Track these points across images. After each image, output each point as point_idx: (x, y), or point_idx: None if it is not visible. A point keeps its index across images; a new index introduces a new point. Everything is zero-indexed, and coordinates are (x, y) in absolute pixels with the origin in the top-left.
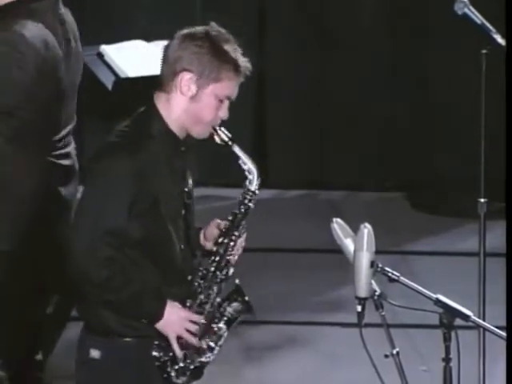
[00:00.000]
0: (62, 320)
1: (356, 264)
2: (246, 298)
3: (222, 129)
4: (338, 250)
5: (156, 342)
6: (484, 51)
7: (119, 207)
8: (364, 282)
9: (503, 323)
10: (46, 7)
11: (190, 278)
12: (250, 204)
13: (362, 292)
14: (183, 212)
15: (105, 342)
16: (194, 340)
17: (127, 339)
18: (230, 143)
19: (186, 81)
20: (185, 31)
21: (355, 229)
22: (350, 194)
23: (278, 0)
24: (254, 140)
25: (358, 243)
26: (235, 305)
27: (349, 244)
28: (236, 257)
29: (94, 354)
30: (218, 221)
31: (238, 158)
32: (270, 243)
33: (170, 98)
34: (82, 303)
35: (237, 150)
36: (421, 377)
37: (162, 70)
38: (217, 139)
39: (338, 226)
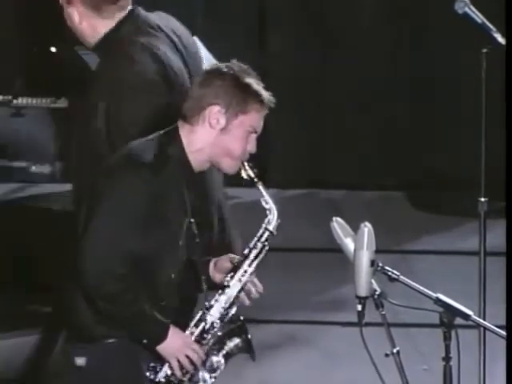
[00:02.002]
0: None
1: (356, 263)
2: (249, 337)
3: (250, 164)
4: (339, 249)
5: (152, 364)
6: (484, 50)
7: (132, 226)
8: (364, 281)
9: (503, 322)
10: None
11: (163, 303)
12: (266, 243)
13: (363, 291)
14: (181, 243)
15: (89, 347)
16: (190, 368)
17: (110, 340)
18: (255, 180)
19: (215, 114)
20: (207, 68)
21: (355, 228)
22: (351, 194)
23: (279, 0)
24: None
25: (358, 242)
26: (236, 340)
27: (349, 243)
28: (250, 294)
29: (80, 361)
30: (232, 255)
31: (261, 195)
32: (270, 242)
33: (194, 130)
34: (67, 309)
35: (261, 188)
36: (421, 376)
37: (188, 105)
38: (243, 174)
39: (338, 225)
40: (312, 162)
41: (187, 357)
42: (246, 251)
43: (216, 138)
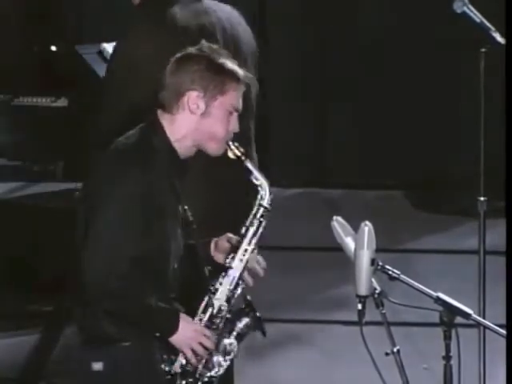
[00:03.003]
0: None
1: (356, 262)
2: (257, 314)
3: (236, 144)
4: (339, 248)
5: (164, 356)
6: (483, 50)
7: (134, 225)
8: (364, 280)
9: (503, 321)
10: None
11: (173, 296)
12: (262, 219)
13: (363, 290)
14: (179, 231)
15: (105, 351)
16: (205, 354)
17: (127, 344)
18: (242, 158)
19: (194, 99)
20: (178, 55)
21: (356, 227)
22: (351, 193)
23: (279, 0)
24: (255, 138)
25: (358, 241)
26: (246, 320)
27: (349, 242)
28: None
29: (97, 366)
30: (230, 235)
31: (250, 173)
32: (271, 241)
33: (175, 119)
34: (82, 313)
35: (249, 165)
36: (421, 375)
37: (165, 94)
38: (230, 154)
39: (338, 224)
40: (312, 162)
41: (200, 344)
42: (243, 230)
43: (198, 122)
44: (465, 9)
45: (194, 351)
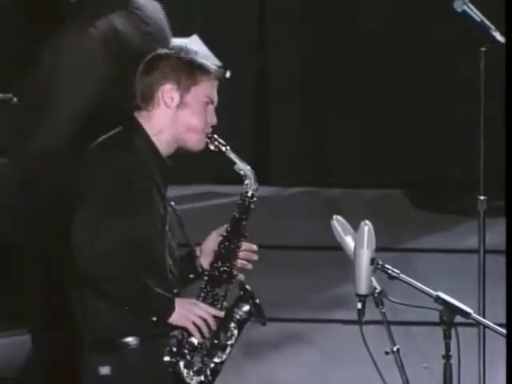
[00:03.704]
0: None
1: (356, 261)
2: (257, 301)
3: (215, 136)
4: (339, 248)
5: (167, 348)
6: (483, 49)
7: (122, 211)
8: (364, 279)
9: (503, 320)
10: None
11: (176, 291)
12: (250, 207)
13: (363, 289)
14: (167, 227)
15: (112, 354)
16: (206, 328)
17: (133, 346)
18: (224, 149)
19: (167, 92)
20: (147, 57)
21: (355, 226)
22: (351, 192)
23: (279, 0)
24: (255, 138)
25: (358, 240)
26: (246, 307)
27: (349, 241)
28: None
29: (104, 370)
30: (214, 232)
31: (233, 163)
32: (270, 240)
33: (152, 115)
34: (82, 312)
35: (232, 155)
36: (421, 374)
37: (138, 94)
38: (211, 147)
39: (338, 223)
40: (312, 161)
41: (201, 318)
42: (231, 221)
43: (174, 115)
44: (465, 8)
45: (195, 325)
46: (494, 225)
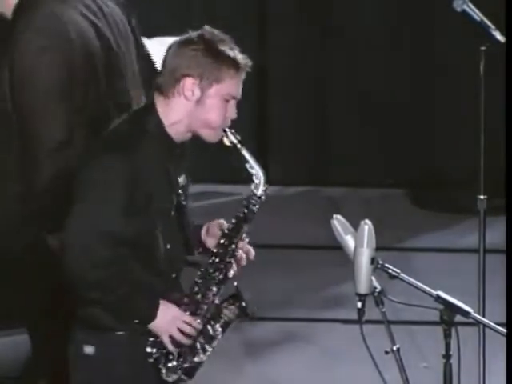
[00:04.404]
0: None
1: (356, 260)
2: (243, 304)
3: (232, 131)
4: (339, 247)
5: (151, 339)
6: (483, 48)
7: (115, 209)
8: (364, 278)
9: (503, 319)
10: None
11: (174, 275)
12: (254, 208)
13: (363, 288)
14: (172, 213)
15: (98, 336)
16: (185, 340)
17: (120, 333)
18: (238, 146)
19: (189, 86)
20: (179, 38)
21: (355, 225)
22: (351, 191)
23: (279, 0)
24: (255, 136)
25: (358, 240)
26: (232, 308)
27: (349, 240)
28: (241, 261)
29: (88, 350)
30: (222, 221)
31: (246, 161)
32: (270, 240)
33: (170, 103)
34: (80, 306)
35: (245, 153)
36: (421, 373)
37: (162, 78)
38: (226, 141)
39: (338, 222)
40: (312, 160)
41: (179, 330)
42: (234, 219)
43: (192, 109)
44: (465, 7)
45: (172, 337)
46: (494, 224)
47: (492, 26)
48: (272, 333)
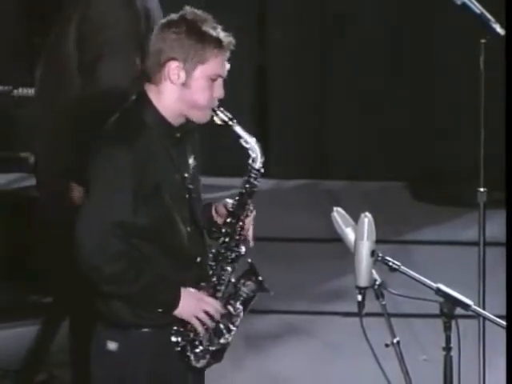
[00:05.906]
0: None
1: (356, 253)
2: (260, 278)
3: (221, 109)
4: (339, 240)
5: (174, 328)
6: (483, 41)
7: (124, 199)
8: (364, 271)
9: (503, 312)
10: None
11: (199, 259)
12: (256, 182)
13: (363, 281)
14: (187, 196)
15: (122, 333)
16: (211, 322)
17: (144, 330)
18: (230, 123)
19: (174, 69)
20: (161, 21)
21: (356, 218)
22: (351, 184)
23: (279, 0)
24: (255, 130)
25: (358, 232)
26: (250, 284)
27: (349, 233)
28: (249, 236)
29: (112, 346)
30: (228, 200)
31: (239, 137)
32: (271, 233)
33: (160, 89)
34: (97, 296)
35: (238, 129)
36: (421, 366)
37: (148, 64)
38: (217, 120)
39: (338, 215)
40: (312, 153)
41: (205, 312)
42: (238, 196)
43: (179, 92)
44: (465, 0)
45: (200, 320)
46: (494, 217)
47: (492, 19)
48: (272, 325)
